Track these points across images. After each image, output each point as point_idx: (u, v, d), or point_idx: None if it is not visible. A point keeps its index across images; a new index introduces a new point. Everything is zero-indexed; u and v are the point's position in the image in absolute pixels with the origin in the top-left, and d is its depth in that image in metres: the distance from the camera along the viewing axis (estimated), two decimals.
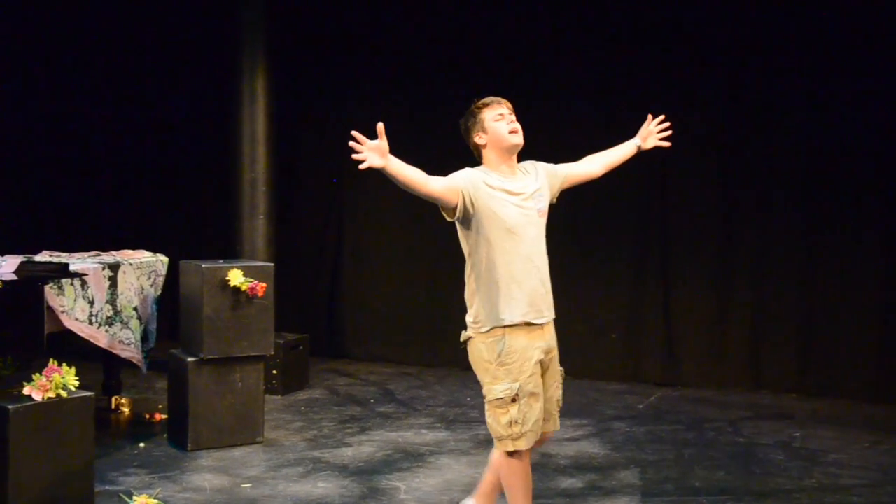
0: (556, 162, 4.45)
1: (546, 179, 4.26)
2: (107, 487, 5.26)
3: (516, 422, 4.01)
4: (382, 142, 3.77)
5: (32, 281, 5.48)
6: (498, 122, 4.08)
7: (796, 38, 7.90)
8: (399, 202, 8.19)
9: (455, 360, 8.57)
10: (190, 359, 6.14)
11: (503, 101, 4.15)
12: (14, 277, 5.35)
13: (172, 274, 6.87)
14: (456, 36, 8.94)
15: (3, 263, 5.64)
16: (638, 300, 8.52)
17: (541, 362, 4.11)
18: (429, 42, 9.03)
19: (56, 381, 4.53)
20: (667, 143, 4.74)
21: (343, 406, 7.52)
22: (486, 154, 4.14)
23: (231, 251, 8.03)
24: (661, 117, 4.72)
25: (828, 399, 7.73)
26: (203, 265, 6.15)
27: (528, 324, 4.04)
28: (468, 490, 5.26)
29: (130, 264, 6.54)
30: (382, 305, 9.46)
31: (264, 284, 6.20)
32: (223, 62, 8.37)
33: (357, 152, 3.72)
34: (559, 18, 8.59)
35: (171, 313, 8.48)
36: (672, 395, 8.03)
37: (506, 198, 4.03)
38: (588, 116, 8.36)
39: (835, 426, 6.94)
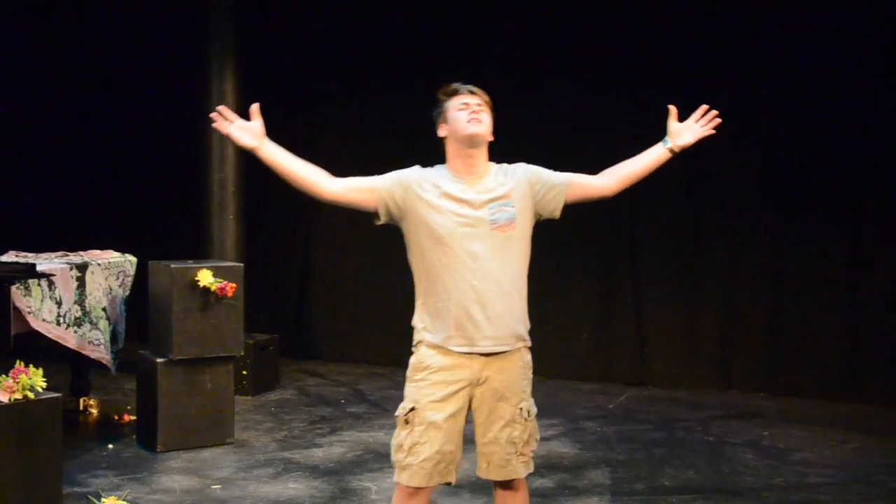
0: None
1: (525, 187, 3.55)
2: (75, 489, 5.21)
3: (402, 448, 3.46)
4: (255, 122, 3.53)
5: None
6: (459, 112, 3.50)
7: (763, 45, 7.96)
8: None
9: None
10: (159, 359, 6.10)
11: (474, 89, 3.56)
12: None
13: (141, 274, 6.82)
14: (432, 35, 8.92)
15: None
16: (608, 300, 8.56)
17: (472, 397, 3.49)
18: (403, 41, 9.01)
19: (23, 383, 4.48)
20: (713, 131, 3.79)
21: (313, 406, 7.49)
22: (448, 149, 3.58)
23: (200, 251, 7.98)
24: (704, 107, 3.79)
25: (796, 398, 7.80)
26: (172, 265, 6.11)
27: (448, 350, 3.46)
28: (438, 490, 5.25)
29: (98, 264, 6.49)
30: (353, 305, 9.45)
31: (234, 285, 6.16)
32: (192, 61, 8.31)
33: (230, 127, 3.52)
34: (542, 20, 8.62)
35: (139, 314, 8.43)
36: (642, 394, 8.07)
37: (443, 203, 3.46)
38: (563, 120, 8.40)
39: (803, 425, 7.00)
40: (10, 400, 4.44)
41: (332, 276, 9.55)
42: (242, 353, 6.59)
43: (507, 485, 3.63)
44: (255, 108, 3.54)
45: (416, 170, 3.59)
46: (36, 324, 5.76)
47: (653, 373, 8.40)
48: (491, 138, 3.55)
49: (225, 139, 7.92)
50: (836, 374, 7.84)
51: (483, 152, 3.54)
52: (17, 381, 4.47)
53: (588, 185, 3.70)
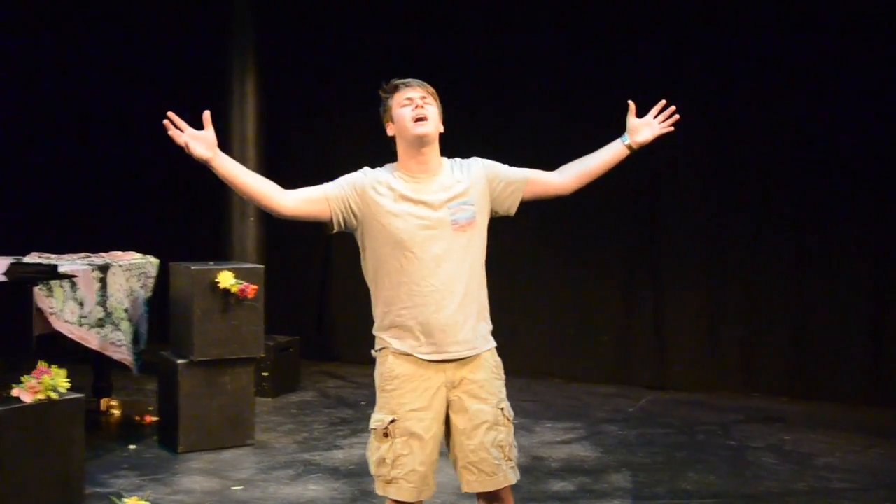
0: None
1: (483, 183, 3.43)
2: (97, 490, 5.23)
3: (384, 462, 3.37)
4: (208, 132, 3.38)
5: (21, 282, 5.44)
6: (403, 109, 3.37)
7: (787, 36, 7.90)
8: None
9: None
10: (180, 361, 6.12)
11: (415, 83, 3.44)
12: (3, 279, 5.32)
13: (163, 276, 6.85)
14: (450, 37, 8.91)
15: None
16: (629, 303, 8.52)
17: (450, 402, 3.39)
18: (422, 44, 9.01)
19: (46, 384, 4.51)
20: (671, 128, 3.64)
21: (334, 408, 7.50)
22: (398, 148, 3.43)
23: (221, 253, 8.00)
24: (662, 102, 3.65)
25: (819, 402, 7.73)
26: (193, 267, 6.14)
27: (417, 358, 3.37)
28: (459, 493, 5.24)
29: (120, 266, 6.51)
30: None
31: (255, 286, 6.18)
32: (213, 63, 8.34)
33: (179, 137, 3.40)
34: (548, 14, 8.62)
35: (161, 315, 8.47)
36: (663, 398, 8.03)
37: (400, 207, 3.33)
38: (571, 116, 8.36)
39: (826, 430, 6.95)
40: (33, 400, 4.47)
41: (353, 277, 9.38)
42: (263, 355, 6.60)
43: (494, 498, 3.45)
44: (207, 115, 3.38)
45: (367, 172, 3.44)
46: (58, 325, 5.79)
47: (674, 376, 8.35)
48: (441, 130, 3.43)
49: (246, 141, 8.06)
50: (860, 379, 7.77)
51: (434, 149, 3.42)
52: (40, 381, 4.50)
53: (546, 182, 3.55)
